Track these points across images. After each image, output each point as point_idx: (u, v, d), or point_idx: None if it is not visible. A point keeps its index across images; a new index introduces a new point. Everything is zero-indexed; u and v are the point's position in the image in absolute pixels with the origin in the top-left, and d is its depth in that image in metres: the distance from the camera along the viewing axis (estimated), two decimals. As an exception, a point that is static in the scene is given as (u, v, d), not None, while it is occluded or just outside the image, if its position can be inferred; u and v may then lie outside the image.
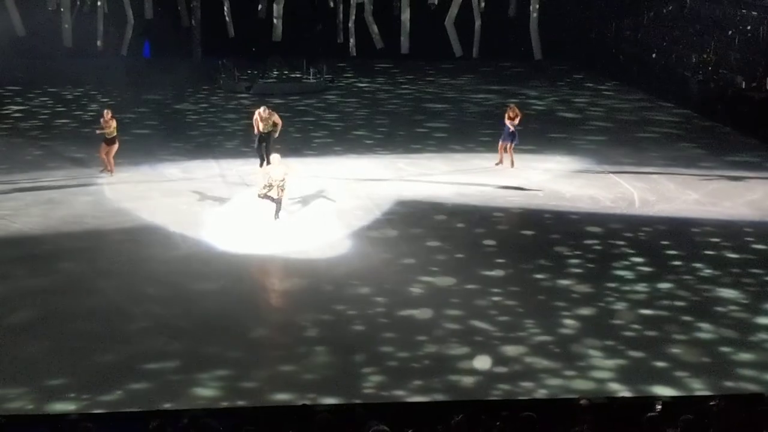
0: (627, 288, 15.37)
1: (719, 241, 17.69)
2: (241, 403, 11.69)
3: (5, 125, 26.25)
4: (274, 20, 31.67)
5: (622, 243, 17.44)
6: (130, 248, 16.94)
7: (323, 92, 31.68)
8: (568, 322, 14.06)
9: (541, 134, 25.47)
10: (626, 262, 16.48)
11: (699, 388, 12.21)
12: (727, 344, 13.46)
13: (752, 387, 12.24)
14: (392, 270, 16.08)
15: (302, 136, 24.84)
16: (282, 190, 17.82)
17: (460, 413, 8.88)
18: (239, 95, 30.71)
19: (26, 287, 15.19)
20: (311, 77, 32.63)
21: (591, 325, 14.00)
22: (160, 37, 36.12)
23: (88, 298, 14.79)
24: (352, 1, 32.07)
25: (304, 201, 19.37)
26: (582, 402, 9.60)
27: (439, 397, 11.89)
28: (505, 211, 19.38)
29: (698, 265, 16.43)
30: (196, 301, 14.71)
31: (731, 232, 18.16)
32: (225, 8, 32.86)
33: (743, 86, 27.87)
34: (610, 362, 12.86)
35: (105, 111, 21.12)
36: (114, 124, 20.61)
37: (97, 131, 20.95)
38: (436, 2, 32.28)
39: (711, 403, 9.68)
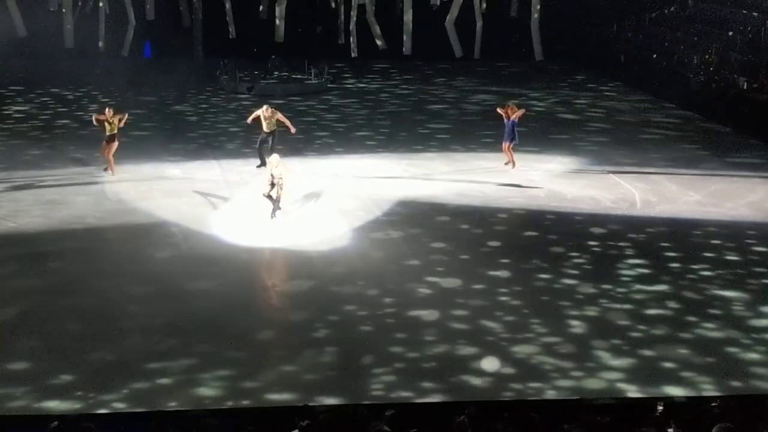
0: (629, 288, 15.33)
1: (721, 242, 17.65)
2: (244, 403, 11.63)
3: (6, 125, 26.22)
4: (276, 21, 31.66)
5: (623, 244, 17.39)
6: (131, 248, 16.92)
7: (324, 93, 31.67)
8: (574, 322, 14.03)
9: (542, 135, 25.46)
10: (628, 263, 16.44)
11: (708, 388, 12.17)
12: (733, 344, 13.41)
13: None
14: (397, 271, 16.04)
15: (304, 137, 24.82)
16: (280, 189, 17.81)
17: (463, 414, 8.87)
18: (240, 96, 30.70)
19: (26, 287, 15.13)
20: (312, 78, 32.63)
21: (597, 325, 13.98)
22: (161, 38, 36.13)
23: (89, 297, 14.75)
24: (353, 2, 32.06)
25: (306, 201, 19.35)
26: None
27: (448, 398, 11.81)
28: (507, 212, 19.34)
29: (699, 265, 16.39)
30: (197, 301, 14.68)
31: (733, 233, 18.13)
32: (226, 8, 32.85)
33: (745, 87, 27.86)
34: (618, 362, 12.80)
35: (107, 108, 21.07)
36: (117, 121, 20.56)
37: (94, 120, 20.89)
38: (438, 3, 32.27)
39: (713, 404, 9.68)
